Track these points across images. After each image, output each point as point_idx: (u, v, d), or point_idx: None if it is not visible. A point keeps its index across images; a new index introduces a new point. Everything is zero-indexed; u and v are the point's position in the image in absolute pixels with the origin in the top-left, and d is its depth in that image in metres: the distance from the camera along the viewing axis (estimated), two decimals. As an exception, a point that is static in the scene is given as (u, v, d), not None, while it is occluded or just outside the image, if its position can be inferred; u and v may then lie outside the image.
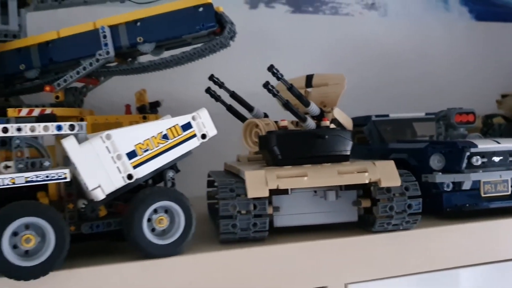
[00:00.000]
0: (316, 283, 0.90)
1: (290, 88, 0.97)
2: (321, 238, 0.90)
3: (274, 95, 0.95)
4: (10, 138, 0.74)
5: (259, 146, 0.98)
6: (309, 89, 1.14)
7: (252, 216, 0.87)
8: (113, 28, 1.09)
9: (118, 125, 1.16)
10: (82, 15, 1.35)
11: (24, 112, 1.03)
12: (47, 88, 1.10)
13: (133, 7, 1.33)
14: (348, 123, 1.07)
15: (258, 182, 0.86)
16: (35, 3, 1.26)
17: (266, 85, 0.94)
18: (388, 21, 1.83)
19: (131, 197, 0.83)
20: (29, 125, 0.74)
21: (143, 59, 1.18)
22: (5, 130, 0.73)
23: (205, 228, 1.05)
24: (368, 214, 0.95)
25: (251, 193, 0.85)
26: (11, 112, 1.03)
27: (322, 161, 0.92)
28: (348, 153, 0.94)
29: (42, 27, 1.24)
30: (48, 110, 1.07)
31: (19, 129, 0.74)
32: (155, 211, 0.82)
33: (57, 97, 1.14)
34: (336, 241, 0.90)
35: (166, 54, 1.14)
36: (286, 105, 0.97)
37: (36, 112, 1.04)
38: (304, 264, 0.88)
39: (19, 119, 1.00)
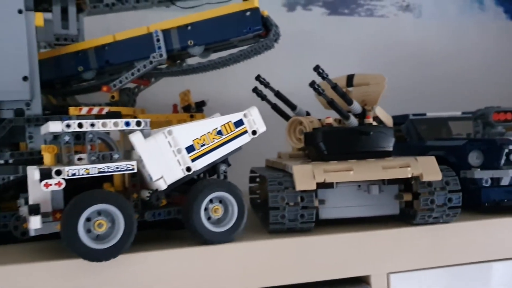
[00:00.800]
0: (360, 272, 0.95)
1: (335, 87, 1.03)
2: (365, 229, 0.95)
3: (320, 93, 1.01)
4: (84, 132, 0.82)
5: (305, 142, 1.03)
6: (350, 89, 1.19)
7: (299, 208, 0.93)
8: (166, 32, 1.16)
9: (168, 123, 1.24)
10: (129, 20, 1.45)
11: (84, 110, 1.11)
12: (105, 88, 1.18)
13: (178, 11, 1.41)
14: (388, 121, 1.12)
15: (305, 175, 0.92)
16: (89, 8, 1.34)
17: (313, 84, 1.00)
18: (423, 22, 1.86)
19: (186, 188, 0.90)
20: (101, 121, 0.82)
21: (190, 61, 1.26)
22: (80, 125, 0.81)
23: (249, 221, 1.11)
24: (409, 207, 0.99)
25: (299, 186, 0.91)
26: (73, 110, 1.11)
27: (366, 156, 0.97)
28: (391, 149, 0.99)
29: (91, 31, 1.33)
30: (105, 109, 1.15)
31: (92, 125, 0.81)
32: (211, 201, 0.88)
33: (112, 97, 1.23)
34: (378, 232, 0.95)
35: (213, 56, 1.21)
36: (331, 103, 1.02)
37: (95, 110, 1.12)
38: (348, 253, 0.94)
39: (79, 117, 1.09)
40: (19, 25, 1.05)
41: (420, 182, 0.94)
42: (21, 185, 0.99)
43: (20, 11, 1.05)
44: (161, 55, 1.16)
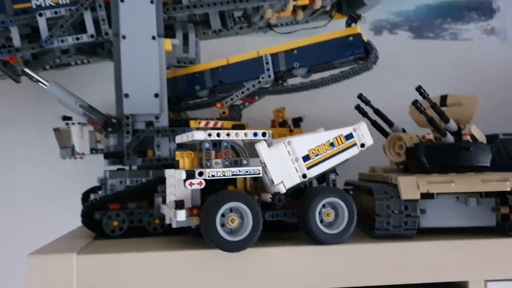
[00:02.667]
0: (458, 278, 1.02)
1: (434, 106, 1.12)
2: (463, 238, 1.03)
3: (421, 111, 1.10)
4: (220, 141, 0.96)
5: (406, 156, 1.13)
6: (443, 108, 1.27)
7: (404, 216, 1.02)
8: (274, 56, 1.30)
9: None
10: (229, 43, 1.61)
11: (202, 123, 1.27)
12: (218, 105, 1.33)
13: (272, 36, 1.55)
14: (482, 140, 1.19)
15: (410, 186, 1.01)
16: (200, 34, 1.51)
17: (415, 102, 1.09)
18: (508, 45, 1.90)
19: (296, 194, 1.01)
20: (234, 131, 0.95)
21: (291, 81, 1.39)
22: (218, 134, 0.95)
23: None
24: (505, 220, 1.06)
25: (405, 195, 1.00)
26: (193, 123, 1.26)
27: (465, 170, 1.05)
28: (488, 165, 1.06)
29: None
30: (219, 123, 1.29)
31: (228, 134, 0.95)
32: (323, 206, 0.99)
33: (223, 112, 1.38)
34: (476, 241, 1.02)
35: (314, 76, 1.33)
36: (431, 121, 1.11)
37: (211, 124, 1.27)
38: (447, 260, 1.01)
39: (199, 129, 1.24)
40: (153, 49, 1.22)
41: (517, 195, 1.01)
42: (148, 187, 1.15)
43: (153, 38, 1.22)
44: (269, 76, 1.29)
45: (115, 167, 1.30)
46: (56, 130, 1.51)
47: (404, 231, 1.02)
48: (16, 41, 1.22)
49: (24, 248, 1.58)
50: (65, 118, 1.48)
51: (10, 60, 1.21)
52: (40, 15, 1.22)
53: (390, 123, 1.26)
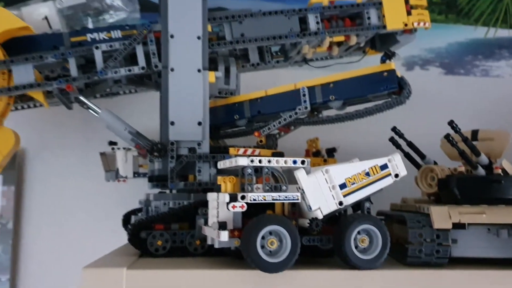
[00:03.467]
0: (489, 308, 1.04)
1: (465, 140, 1.16)
2: (494, 269, 1.05)
3: (453, 145, 1.15)
4: (261, 167, 1.02)
5: (439, 187, 1.17)
6: (474, 142, 1.31)
7: (436, 244, 1.05)
8: (311, 88, 1.37)
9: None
10: (263, 76, 1.69)
11: (241, 151, 1.34)
12: (256, 133, 1.41)
13: (306, 70, 1.63)
14: (515, 173, 1.22)
15: (442, 216, 1.05)
16: (240, 68, 1.60)
17: (448, 136, 1.14)
18: (540, 82, 1.93)
19: (331, 220, 1.06)
20: (275, 158, 1.02)
21: (327, 112, 1.45)
22: (260, 161, 1.01)
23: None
24: (538, 252, 1.08)
25: (437, 225, 1.04)
26: (232, 150, 1.33)
27: (496, 203, 1.09)
28: (520, 198, 1.09)
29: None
30: (256, 151, 1.36)
31: (269, 161, 1.02)
32: (358, 232, 1.04)
33: (260, 141, 1.45)
34: (507, 272, 1.05)
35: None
36: (462, 154, 1.15)
37: (249, 151, 1.34)
38: (479, 289, 1.04)
39: (238, 155, 1.31)
40: (198, 81, 1.31)
41: (549, 228, 1.03)
42: (190, 209, 1.22)
43: (199, 70, 1.31)
44: (306, 108, 1.36)
45: (156, 190, 1.37)
46: (102, 154, 1.61)
47: (436, 259, 1.06)
48: (73, 71, 1.33)
49: (68, 263, 1.68)
50: (111, 143, 1.58)
51: (68, 88, 1.32)
52: (97, 48, 1.32)
53: (422, 156, 1.30)
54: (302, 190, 1.03)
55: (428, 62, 1.90)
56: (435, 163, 1.31)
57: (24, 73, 1.31)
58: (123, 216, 1.57)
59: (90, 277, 0.94)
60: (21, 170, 1.77)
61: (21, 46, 1.37)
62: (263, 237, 0.98)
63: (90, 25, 1.56)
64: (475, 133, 1.31)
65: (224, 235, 0.97)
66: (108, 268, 0.97)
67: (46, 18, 1.52)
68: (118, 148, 1.57)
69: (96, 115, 1.38)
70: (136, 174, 1.60)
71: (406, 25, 1.44)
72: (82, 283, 0.94)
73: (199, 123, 1.30)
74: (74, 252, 1.72)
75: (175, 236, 1.19)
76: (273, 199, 1.00)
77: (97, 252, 1.19)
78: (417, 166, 1.31)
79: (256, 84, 1.59)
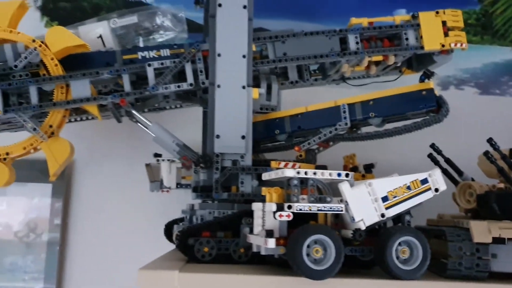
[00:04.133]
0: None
1: (504, 157, 1.20)
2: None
3: (492, 162, 1.18)
4: (307, 179, 1.08)
5: (477, 203, 1.20)
6: (512, 160, 1.34)
7: (475, 258, 1.08)
8: (351, 105, 1.43)
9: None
10: (302, 93, 1.75)
11: (282, 164, 1.39)
12: (296, 148, 1.46)
13: (345, 87, 1.68)
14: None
15: (482, 230, 1.08)
16: (279, 85, 1.66)
17: (487, 153, 1.18)
18: None
19: (373, 233, 1.10)
20: (320, 171, 1.07)
21: (366, 129, 1.50)
22: (306, 173, 1.07)
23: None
24: None
25: (477, 239, 1.07)
26: (274, 164, 1.38)
27: (534, 219, 1.11)
28: (559, 214, 1.12)
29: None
30: (297, 165, 1.42)
31: (314, 173, 1.07)
32: (399, 244, 1.08)
33: (300, 155, 1.50)
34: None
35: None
36: (501, 171, 1.18)
37: (290, 165, 1.39)
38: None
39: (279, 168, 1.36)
40: (243, 97, 1.38)
41: None
42: (235, 218, 1.28)
43: (243, 87, 1.39)
44: (346, 124, 1.42)
45: (199, 201, 1.44)
46: (148, 165, 1.69)
47: (476, 273, 1.08)
48: (127, 86, 1.42)
49: (112, 271, 1.76)
50: (156, 155, 1.66)
51: (121, 103, 1.40)
52: (149, 65, 1.41)
53: (460, 172, 1.34)
54: (346, 202, 1.07)
55: (463, 82, 1.94)
56: (473, 180, 1.34)
57: (81, 87, 1.41)
58: (165, 225, 1.64)
59: (146, 278, 1.01)
60: (70, 180, 1.87)
61: (77, 62, 1.46)
62: (308, 246, 1.03)
63: (141, 44, 1.66)
64: (512, 152, 1.34)
65: (271, 243, 1.03)
66: (162, 270, 1.03)
67: (100, 36, 1.63)
68: (163, 160, 1.65)
69: (146, 128, 1.46)
70: (179, 185, 1.67)
71: (443, 46, 1.48)
72: (138, 283, 1.01)
73: (243, 137, 1.36)
74: (118, 260, 1.79)
75: (220, 244, 1.24)
76: (318, 210, 1.06)
77: (140, 260, 1.24)
78: (455, 182, 1.34)
79: (295, 100, 1.65)
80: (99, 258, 1.82)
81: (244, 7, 1.40)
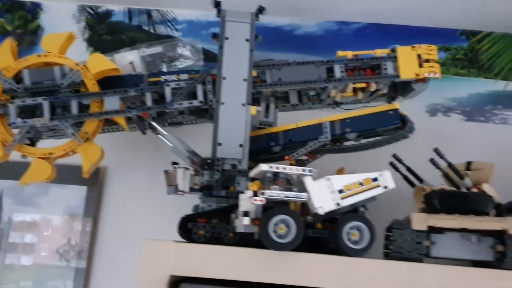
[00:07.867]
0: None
1: (449, 164, 1.50)
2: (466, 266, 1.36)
3: (437, 167, 1.49)
4: (278, 173, 1.42)
5: (425, 201, 1.50)
6: (468, 172, 1.63)
7: (414, 243, 1.38)
8: (332, 122, 1.77)
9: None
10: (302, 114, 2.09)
11: (272, 170, 1.73)
12: (287, 157, 1.80)
13: (342, 111, 2.01)
14: (496, 196, 1.52)
15: (420, 220, 1.38)
16: (280, 107, 2.02)
17: (432, 160, 1.48)
18: (555, 130, 2.18)
19: (330, 221, 1.42)
20: (289, 166, 1.42)
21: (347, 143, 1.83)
22: (277, 168, 1.42)
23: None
24: (500, 256, 1.37)
25: (415, 226, 1.38)
26: (265, 169, 1.73)
27: (467, 213, 1.40)
28: (488, 211, 1.40)
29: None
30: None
31: (284, 168, 1.42)
32: (350, 228, 1.39)
33: (291, 164, 1.84)
34: (477, 270, 1.34)
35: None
36: (446, 176, 1.48)
37: (279, 171, 1.73)
38: (452, 284, 1.33)
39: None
40: (242, 113, 1.74)
41: (508, 235, 1.33)
42: (227, 209, 1.62)
43: (243, 104, 1.76)
44: (326, 137, 1.75)
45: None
46: (166, 172, 2.06)
47: (415, 255, 1.38)
48: (149, 102, 1.82)
49: (127, 258, 2.12)
50: (174, 163, 2.04)
51: (144, 115, 1.80)
52: (167, 85, 1.81)
53: (420, 179, 1.64)
54: (308, 192, 1.41)
55: (450, 109, 2.23)
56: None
57: (112, 102, 1.81)
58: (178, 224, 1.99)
59: (148, 248, 1.38)
60: (102, 186, 2.27)
61: (111, 83, 1.88)
62: (276, 224, 1.36)
63: (164, 69, 2.07)
64: (469, 164, 1.63)
65: (246, 220, 1.37)
66: (162, 241, 1.39)
67: (131, 63, 2.05)
68: (179, 167, 2.02)
69: (163, 137, 1.85)
70: (192, 190, 2.03)
71: (418, 75, 1.81)
72: (142, 251, 1.37)
73: (240, 145, 1.72)
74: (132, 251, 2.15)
75: (214, 229, 1.59)
76: (285, 197, 1.39)
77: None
78: (414, 186, 1.64)
79: (292, 119, 1.99)
80: (119, 248, 2.17)
81: (247, 40, 1.79)
